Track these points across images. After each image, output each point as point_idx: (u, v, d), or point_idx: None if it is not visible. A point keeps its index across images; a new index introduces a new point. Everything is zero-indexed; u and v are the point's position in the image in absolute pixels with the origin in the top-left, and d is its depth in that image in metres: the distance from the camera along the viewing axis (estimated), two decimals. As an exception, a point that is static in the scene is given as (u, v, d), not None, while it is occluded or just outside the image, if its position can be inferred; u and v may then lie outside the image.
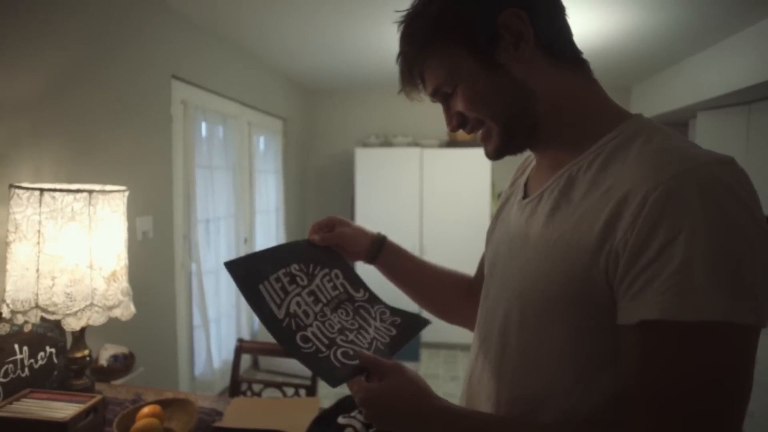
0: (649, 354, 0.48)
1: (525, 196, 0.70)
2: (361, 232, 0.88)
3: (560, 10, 0.62)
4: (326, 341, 0.68)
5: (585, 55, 0.63)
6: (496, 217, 0.79)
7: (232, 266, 0.70)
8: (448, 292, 0.90)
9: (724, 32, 2.77)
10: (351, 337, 0.71)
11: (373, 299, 0.83)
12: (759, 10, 2.43)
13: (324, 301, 0.76)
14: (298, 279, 0.75)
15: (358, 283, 0.85)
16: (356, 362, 0.65)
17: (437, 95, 0.65)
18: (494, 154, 0.65)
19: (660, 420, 0.47)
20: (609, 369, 0.54)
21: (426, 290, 0.91)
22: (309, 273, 0.78)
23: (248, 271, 0.71)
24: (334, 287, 0.80)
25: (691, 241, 0.46)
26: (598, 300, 0.53)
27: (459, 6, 0.58)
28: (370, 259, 0.88)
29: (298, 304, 0.72)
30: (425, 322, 0.81)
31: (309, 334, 0.68)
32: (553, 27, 0.61)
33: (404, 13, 0.64)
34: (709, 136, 3.34)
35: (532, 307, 0.60)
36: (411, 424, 0.59)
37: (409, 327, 0.78)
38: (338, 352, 0.66)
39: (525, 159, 0.79)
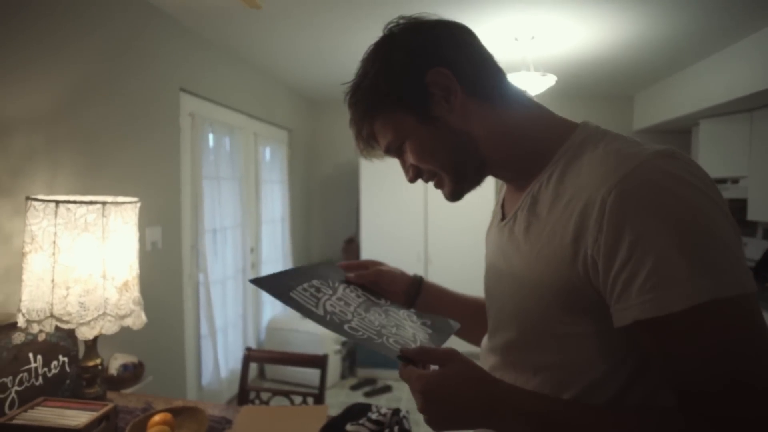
0: (661, 350, 0.51)
1: (503, 218, 0.73)
2: (398, 271, 0.89)
3: (484, 58, 0.67)
4: (374, 332, 0.68)
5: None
6: (486, 240, 0.82)
7: (259, 282, 0.72)
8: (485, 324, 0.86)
9: (726, 40, 2.79)
10: (393, 331, 0.70)
11: (397, 305, 0.84)
12: (761, 18, 2.45)
13: (354, 305, 0.77)
14: (322, 289, 0.77)
15: (378, 294, 0.85)
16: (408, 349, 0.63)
17: (390, 152, 0.71)
18: (451, 197, 0.71)
19: (709, 406, 0.48)
20: (626, 362, 0.56)
21: (464, 324, 0.88)
22: (330, 286, 0.79)
23: (275, 285, 0.73)
24: (358, 296, 0.81)
25: (657, 234, 0.48)
26: (591, 305, 0.56)
27: (389, 75, 0.65)
28: (410, 302, 0.87)
29: (333, 306, 0.73)
30: (456, 326, 0.81)
31: (355, 324, 0.69)
32: (479, 74, 0.66)
33: (349, 83, 0.70)
34: (712, 143, 3.36)
35: (531, 326, 0.63)
36: (476, 410, 0.55)
37: (441, 330, 0.78)
38: (390, 341, 0.66)
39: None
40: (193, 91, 2.58)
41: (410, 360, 0.60)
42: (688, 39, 2.74)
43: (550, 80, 2.65)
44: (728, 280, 0.47)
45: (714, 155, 3.34)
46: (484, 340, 0.77)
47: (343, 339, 3.59)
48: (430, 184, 0.72)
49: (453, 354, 0.59)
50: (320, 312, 0.69)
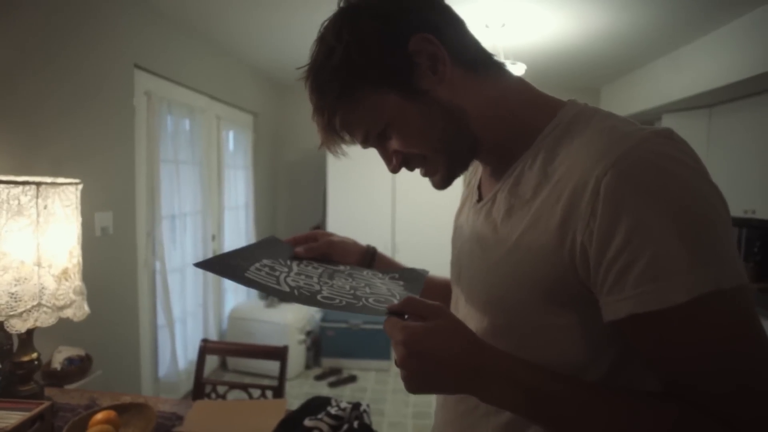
0: (658, 346, 0.47)
1: (480, 199, 0.68)
2: (350, 241, 0.83)
3: (461, 23, 0.60)
4: (349, 296, 0.61)
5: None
6: (456, 222, 0.77)
7: (206, 265, 0.62)
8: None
9: (687, 37, 2.85)
10: (368, 291, 0.64)
11: (358, 267, 0.78)
12: (722, 16, 2.51)
13: (315, 276, 0.69)
14: (277, 267, 0.69)
15: (335, 263, 0.79)
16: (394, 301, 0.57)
17: (369, 141, 0.62)
18: (442, 184, 0.63)
19: (708, 403, 0.45)
20: (608, 352, 0.52)
21: None
22: (284, 264, 0.72)
23: (225, 267, 0.64)
24: (315, 268, 0.73)
25: (658, 220, 0.44)
26: (572, 297, 0.51)
27: (363, 46, 0.55)
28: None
29: (295, 281, 0.65)
30: (425, 271, 0.77)
31: (327, 294, 0.61)
32: (462, 40, 0.59)
33: (306, 67, 0.59)
34: (673, 137, 3.44)
35: (505, 317, 0.58)
36: (460, 370, 0.49)
37: (412, 279, 0.73)
38: (370, 300, 0.60)
39: None
40: (150, 69, 2.43)
41: (399, 314, 0.54)
42: (652, 33, 2.78)
43: (520, 69, 2.64)
44: (729, 271, 0.44)
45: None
46: None
47: (308, 328, 3.53)
48: (399, 172, 0.65)
49: (441, 309, 0.52)
50: (285, 288, 0.61)
